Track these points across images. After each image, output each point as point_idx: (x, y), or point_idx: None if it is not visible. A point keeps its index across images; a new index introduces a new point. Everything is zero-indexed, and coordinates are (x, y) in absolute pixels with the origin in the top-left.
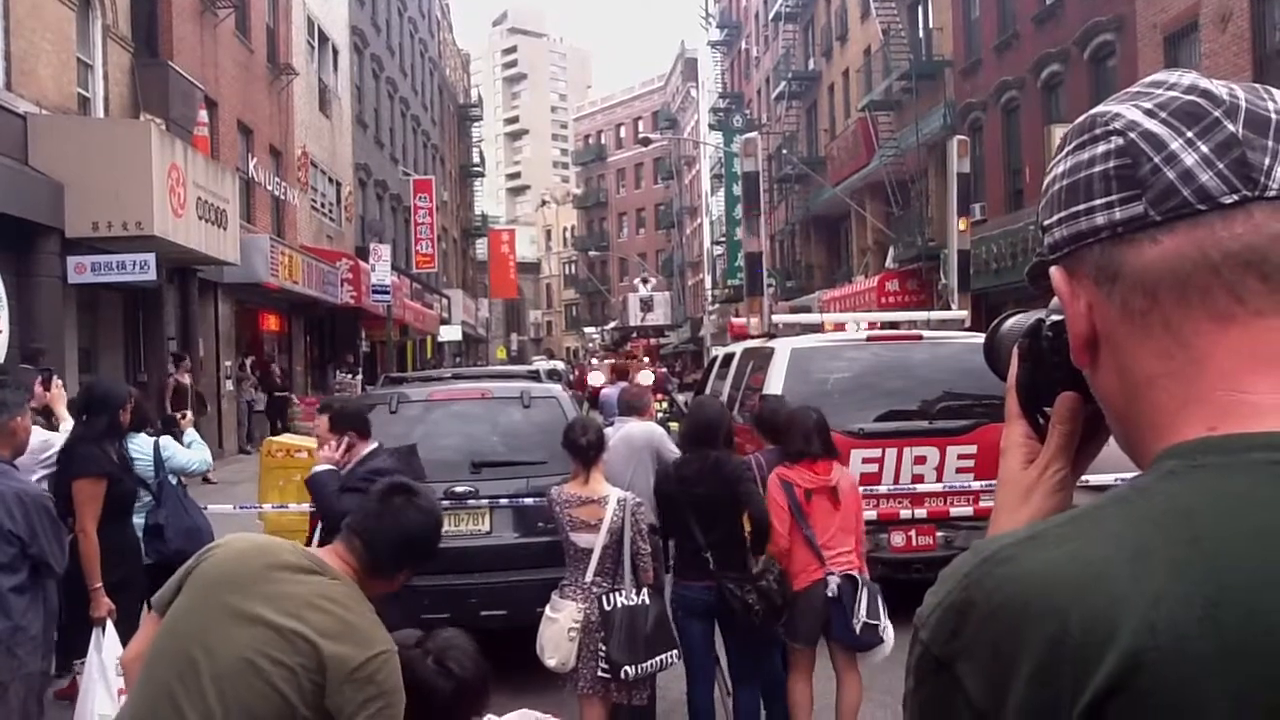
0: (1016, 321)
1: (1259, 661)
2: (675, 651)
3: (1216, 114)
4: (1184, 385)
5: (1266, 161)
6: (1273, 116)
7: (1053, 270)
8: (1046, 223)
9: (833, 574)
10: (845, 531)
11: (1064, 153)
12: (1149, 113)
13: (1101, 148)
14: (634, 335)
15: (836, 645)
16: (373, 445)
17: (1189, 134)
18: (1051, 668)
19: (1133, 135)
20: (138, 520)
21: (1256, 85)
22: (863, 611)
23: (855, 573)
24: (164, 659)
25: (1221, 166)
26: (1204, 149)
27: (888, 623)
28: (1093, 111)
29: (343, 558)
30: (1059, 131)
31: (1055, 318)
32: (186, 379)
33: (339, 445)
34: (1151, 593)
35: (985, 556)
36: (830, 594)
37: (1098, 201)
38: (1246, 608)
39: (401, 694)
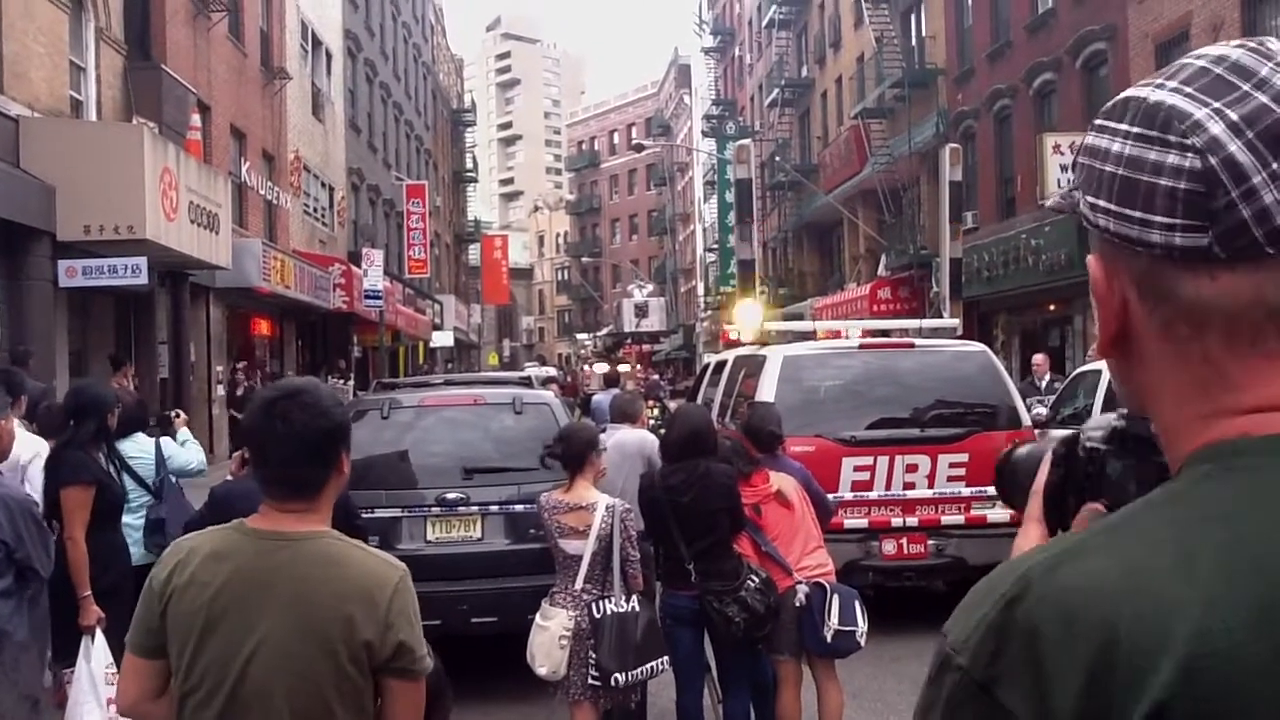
0: (1030, 451)
1: None
2: (665, 659)
3: None
4: (1214, 404)
5: None
6: None
7: (1091, 259)
8: (1091, 199)
9: (801, 584)
10: (811, 536)
11: (1123, 132)
12: (1234, 129)
13: (1173, 159)
14: (628, 341)
15: (812, 654)
16: None
17: (1275, 165)
18: (1103, 680)
19: (1214, 161)
20: (138, 519)
21: None
22: (834, 619)
23: (824, 580)
24: None
25: None
26: None
27: (864, 626)
28: (1168, 103)
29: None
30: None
31: (1092, 436)
32: (128, 383)
33: (238, 460)
34: (1202, 597)
35: (1022, 573)
36: (798, 603)
37: (1158, 219)
38: None
39: None
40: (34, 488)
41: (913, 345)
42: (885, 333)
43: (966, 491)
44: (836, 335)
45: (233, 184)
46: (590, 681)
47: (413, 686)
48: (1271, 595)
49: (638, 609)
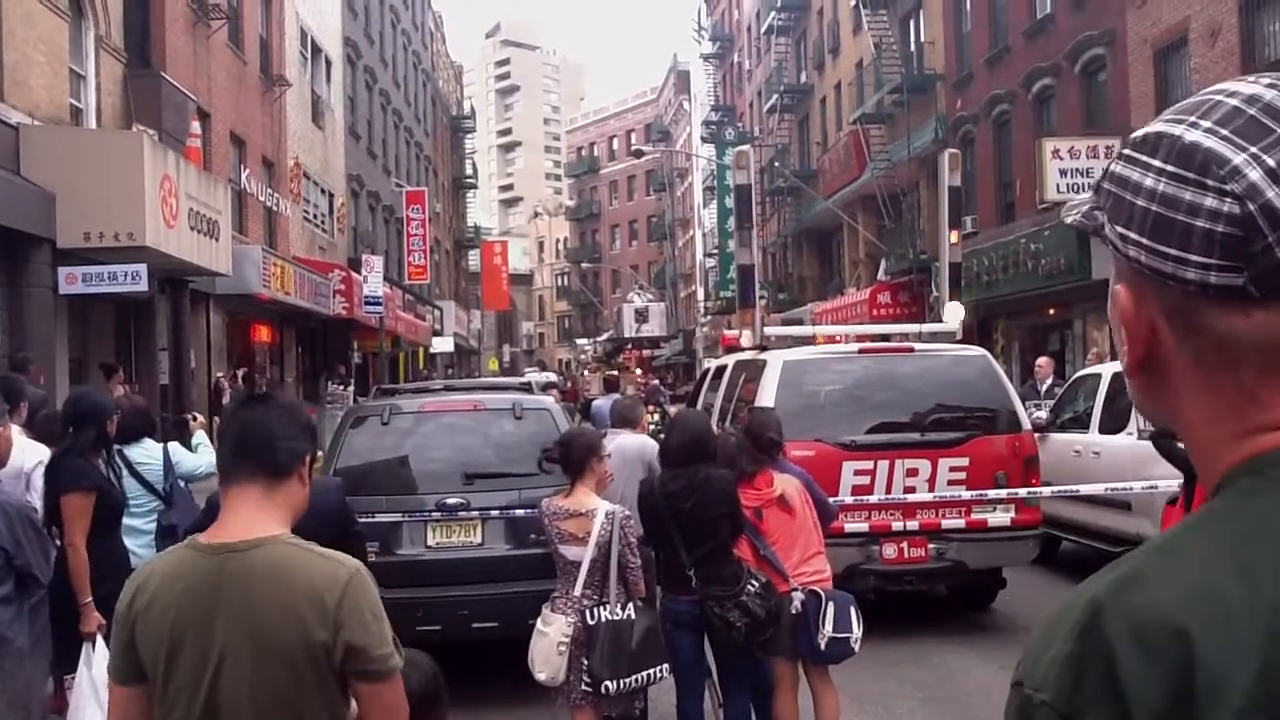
0: None
1: None
2: (664, 667)
3: None
4: (1248, 423)
5: None
6: None
7: (1119, 288)
8: (1121, 230)
9: (797, 590)
10: (810, 542)
11: (1156, 168)
12: (1272, 175)
13: (1211, 202)
14: (629, 346)
15: (806, 660)
16: None
17: None
18: (1185, 694)
19: (1252, 208)
20: (146, 524)
21: None
22: (828, 626)
23: (819, 588)
24: None
25: None
26: None
27: (859, 633)
28: (1205, 145)
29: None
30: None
31: None
32: (122, 391)
33: None
34: (1269, 603)
35: (1088, 601)
36: (793, 610)
37: (1193, 258)
38: None
39: None
40: (38, 495)
41: (912, 350)
42: (885, 337)
43: (967, 495)
44: (834, 340)
45: (232, 191)
46: (584, 688)
47: (381, 688)
48: None
49: (634, 616)
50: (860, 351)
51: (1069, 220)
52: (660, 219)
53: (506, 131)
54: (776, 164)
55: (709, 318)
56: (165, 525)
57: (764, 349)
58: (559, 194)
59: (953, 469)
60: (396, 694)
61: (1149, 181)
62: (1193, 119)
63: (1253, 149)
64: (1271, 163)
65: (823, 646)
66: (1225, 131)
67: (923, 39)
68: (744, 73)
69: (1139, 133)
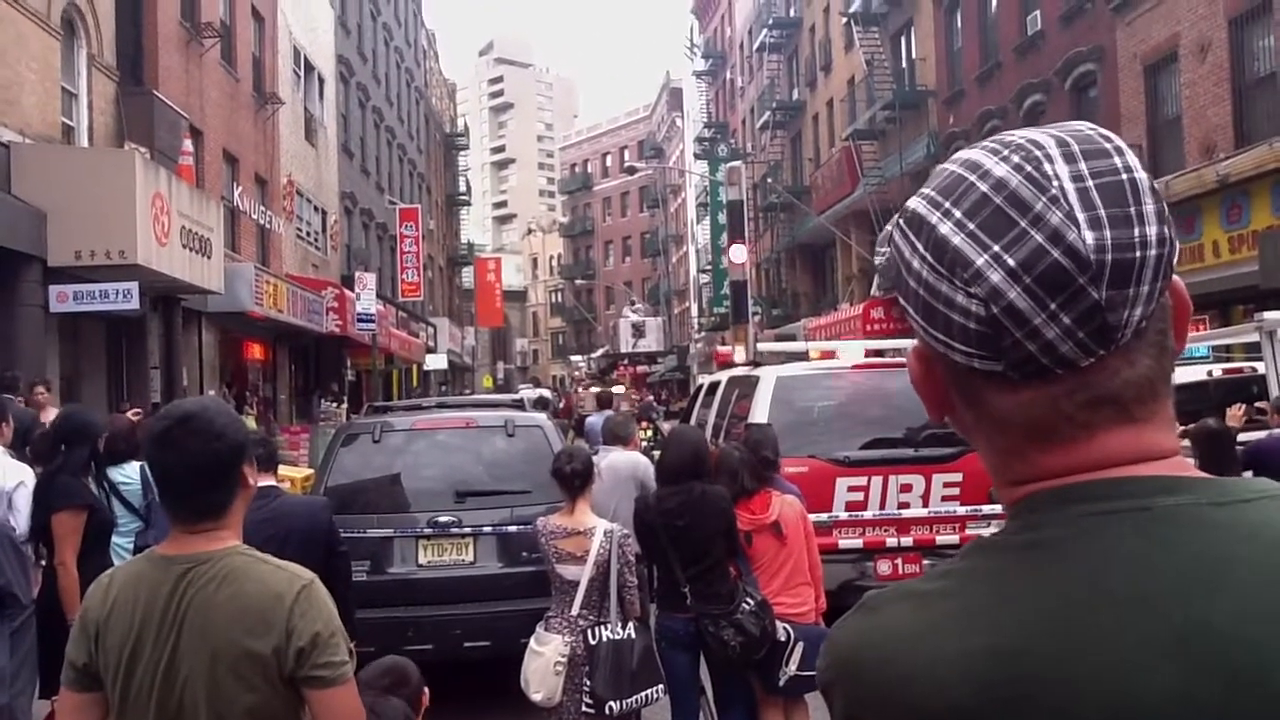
0: None
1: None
2: (660, 686)
3: (1082, 281)
4: (1016, 475)
5: (1125, 315)
6: (1136, 255)
7: (910, 352)
8: (902, 302)
9: (776, 622)
10: (798, 571)
11: (920, 254)
12: (1013, 276)
13: (962, 300)
14: (624, 362)
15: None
16: None
17: (1052, 306)
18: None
19: (995, 310)
20: (126, 543)
21: (1127, 180)
22: (792, 666)
23: (790, 624)
24: None
25: (1082, 335)
26: (1066, 321)
27: None
28: (953, 243)
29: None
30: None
31: None
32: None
33: None
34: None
35: None
36: (779, 637)
37: (957, 345)
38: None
39: None
40: (19, 515)
41: (905, 365)
42: (880, 353)
43: (961, 510)
44: (831, 355)
45: (225, 208)
46: (585, 709)
47: (331, 694)
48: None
49: (633, 636)
50: (854, 367)
51: (877, 262)
52: (654, 235)
53: (500, 149)
54: (769, 180)
55: (703, 334)
56: (142, 546)
57: (757, 364)
58: (553, 210)
59: (947, 484)
60: (347, 701)
61: (915, 263)
62: (947, 205)
63: (995, 247)
64: (1012, 263)
65: (780, 683)
66: (972, 226)
67: (914, 55)
68: (736, 90)
69: (911, 204)
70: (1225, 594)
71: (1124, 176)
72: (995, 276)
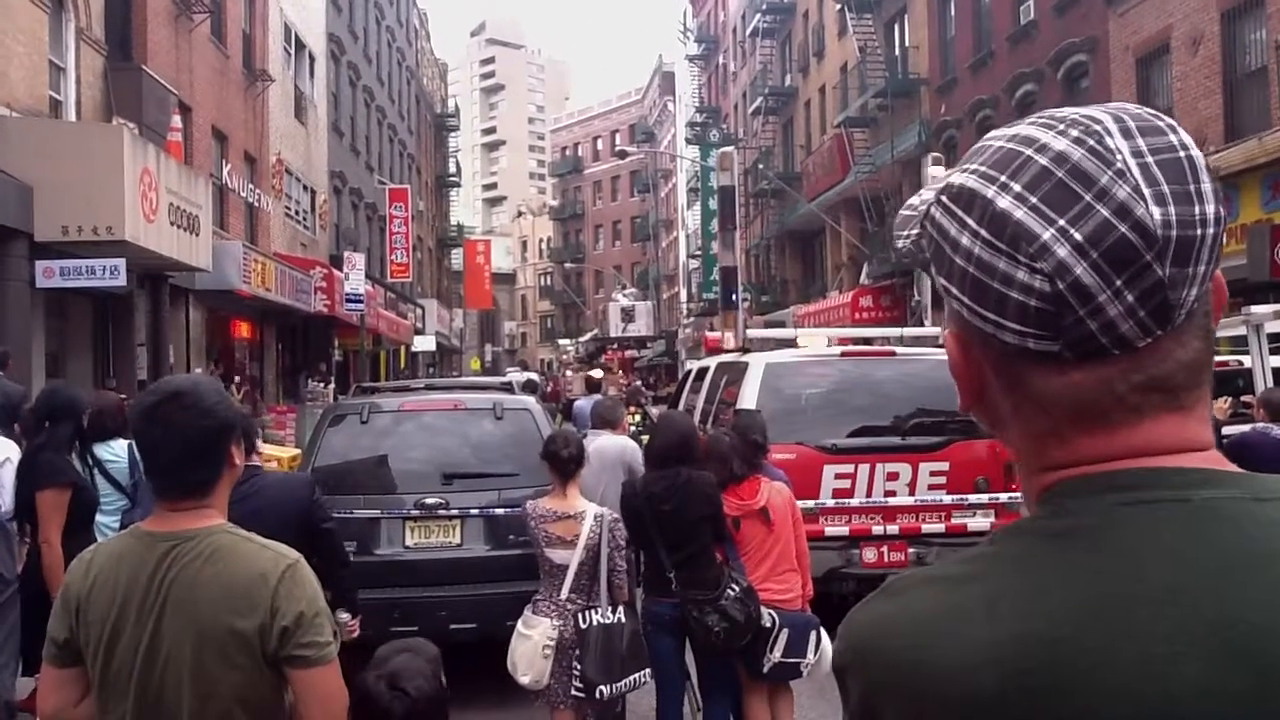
0: None
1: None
2: (647, 671)
3: (1148, 257)
4: (1050, 460)
5: (1184, 294)
6: (1198, 232)
7: (948, 336)
8: (943, 282)
9: (769, 610)
10: (785, 558)
11: (971, 229)
12: (1080, 250)
13: (1023, 276)
14: (613, 346)
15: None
16: None
17: (1118, 282)
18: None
19: (1061, 286)
20: (112, 521)
21: (1185, 158)
22: (776, 652)
23: (778, 610)
24: None
25: (1143, 314)
26: (1129, 298)
27: (813, 658)
28: (1015, 217)
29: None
30: None
31: None
32: None
33: None
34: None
35: None
36: (764, 624)
37: (1011, 324)
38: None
39: None
40: (2, 491)
41: (894, 353)
42: (867, 341)
43: (947, 499)
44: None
45: (214, 186)
46: (574, 693)
47: (314, 674)
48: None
49: (623, 620)
50: (842, 354)
51: (898, 246)
52: (644, 220)
53: (491, 130)
54: (760, 166)
55: (692, 319)
56: (128, 524)
57: (746, 351)
58: (543, 193)
59: (933, 473)
60: (331, 681)
61: (965, 241)
62: (1004, 179)
63: (1061, 221)
64: (1079, 237)
65: (765, 670)
66: (1034, 199)
67: (907, 43)
68: (729, 75)
69: (955, 179)
70: (1261, 589)
71: (1181, 154)
72: (1062, 251)
